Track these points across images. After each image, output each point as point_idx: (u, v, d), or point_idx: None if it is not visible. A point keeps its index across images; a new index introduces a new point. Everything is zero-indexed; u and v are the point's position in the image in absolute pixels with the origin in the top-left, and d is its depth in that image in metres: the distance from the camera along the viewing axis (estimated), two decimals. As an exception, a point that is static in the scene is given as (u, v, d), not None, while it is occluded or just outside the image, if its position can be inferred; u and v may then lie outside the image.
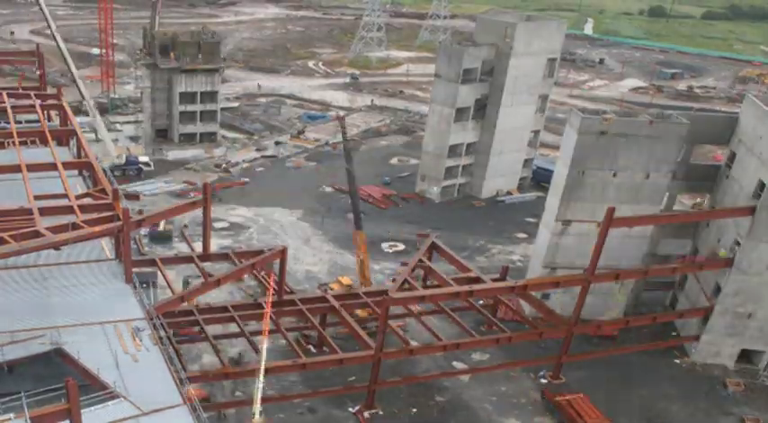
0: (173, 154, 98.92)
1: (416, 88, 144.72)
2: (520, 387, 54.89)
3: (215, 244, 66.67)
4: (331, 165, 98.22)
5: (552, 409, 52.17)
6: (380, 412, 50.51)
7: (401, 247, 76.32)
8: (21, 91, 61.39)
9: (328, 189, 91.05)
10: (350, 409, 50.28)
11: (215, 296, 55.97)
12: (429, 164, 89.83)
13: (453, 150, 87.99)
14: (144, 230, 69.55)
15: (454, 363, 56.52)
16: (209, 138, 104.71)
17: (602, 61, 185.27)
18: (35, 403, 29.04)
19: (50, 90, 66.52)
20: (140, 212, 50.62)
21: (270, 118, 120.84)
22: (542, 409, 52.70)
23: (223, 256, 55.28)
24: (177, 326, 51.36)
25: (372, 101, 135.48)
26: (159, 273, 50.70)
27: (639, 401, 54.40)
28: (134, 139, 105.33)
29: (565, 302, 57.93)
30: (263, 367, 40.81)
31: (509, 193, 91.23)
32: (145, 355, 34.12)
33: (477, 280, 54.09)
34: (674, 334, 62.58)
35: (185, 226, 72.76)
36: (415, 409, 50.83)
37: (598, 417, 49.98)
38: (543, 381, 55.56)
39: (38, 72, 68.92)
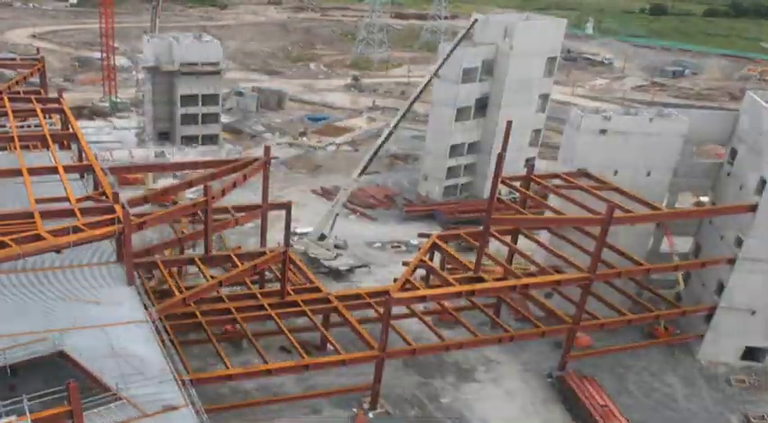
0: (175, 157, 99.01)
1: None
2: (526, 386, 54.95)
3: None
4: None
5: (562, 406, 52.39)
6: (390, 412, 50.62)
7: (403, 247, 76.41)
8: (22, 95, 61.51)
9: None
10: (353, 410, 50.33)
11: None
12: (431, 164, 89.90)
13: (455, 150, 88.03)
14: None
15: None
16: (211, 140, 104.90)
17: (603, 61, 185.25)
18: (38, 406, 29.12)
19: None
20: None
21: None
22: (550, 408, 52.75)
23: (225, 258, 55.55)
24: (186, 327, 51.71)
25: (374, 102, 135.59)
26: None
27: (645, 399, 54.40)
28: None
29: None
30: None
31: (511, 191, 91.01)
32: (147, 356, 34.20)
33: (480, 279, 54.20)
34: (676, 332, 62.47)
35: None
36: (420, 411, 50.88)
37: (605, 402, 50.64)
38: (549, 379, 55.62)
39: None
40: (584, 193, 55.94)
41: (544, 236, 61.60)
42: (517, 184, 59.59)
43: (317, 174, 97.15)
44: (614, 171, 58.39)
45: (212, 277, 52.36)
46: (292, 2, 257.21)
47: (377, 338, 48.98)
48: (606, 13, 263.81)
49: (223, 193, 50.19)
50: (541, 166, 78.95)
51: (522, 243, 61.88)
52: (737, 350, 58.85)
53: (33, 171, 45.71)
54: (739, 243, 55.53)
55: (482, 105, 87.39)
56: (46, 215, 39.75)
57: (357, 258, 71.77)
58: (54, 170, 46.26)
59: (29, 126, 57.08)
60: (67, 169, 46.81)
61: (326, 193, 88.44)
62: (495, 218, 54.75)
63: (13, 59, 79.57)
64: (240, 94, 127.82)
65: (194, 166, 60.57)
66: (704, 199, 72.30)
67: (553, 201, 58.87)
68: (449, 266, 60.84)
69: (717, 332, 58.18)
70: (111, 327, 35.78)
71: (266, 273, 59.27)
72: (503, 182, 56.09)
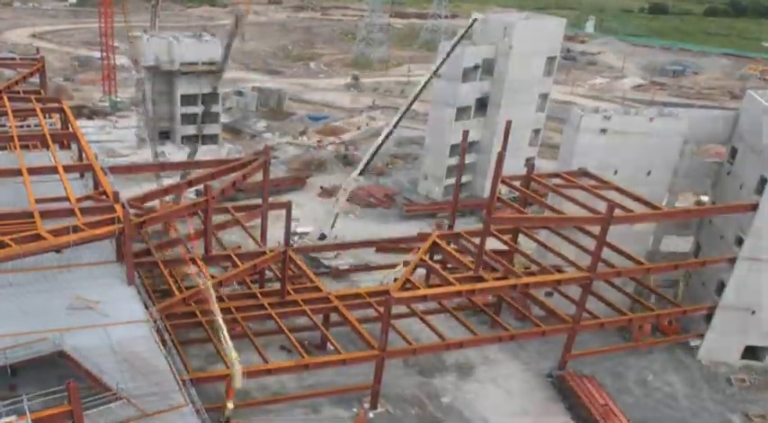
0: (175, 157, 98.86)
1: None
2: (527, 385, 54.97)
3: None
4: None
5: (562, 405, 52.42)
6: (391, 411, 50.61)
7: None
8: (22, 94, 61.47)
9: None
10: (354, 409, 50.32)
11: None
12: (431, 163, 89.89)
13: (455, 149, 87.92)
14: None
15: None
16: (211, 139, 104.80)
17: (602, 60, 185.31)
18: (38, 405, 29.13)
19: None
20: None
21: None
22: (550, 407, 52.72)
23: (225, 258, 55.49)
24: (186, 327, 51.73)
25: (374, 101, 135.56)
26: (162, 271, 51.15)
27: (645, 398, 54.38)
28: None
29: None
30: None
31: (511, 191, 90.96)
32: (148, 356, 34.20)
33: (480, 278, 54.12)
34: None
35: None
36: (420, 410, 50.88)
37: (605, 401, 50.81)
38: (549, 378, 55.61)
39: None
40: (585, 192, 55.95)
41: (544, 235, 61.54)
42: (517, 183, 59.62)
43: (317, 173, 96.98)
44: (614, 170, 58.36)
45: (212, 277, 52.33)
46: (293, 1, 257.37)
47: (377, 338, 48.99)
48: (606, 12, 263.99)
49: (223, 192, 50.14)
50: (541, 166, 78.81)
51: (522, 242, 61.81)
52: (738, 349, 58.81)
53: (33, 171, 45.71)
54: (739, 242, 55.52)
55: (482, 105, 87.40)
56: (46, 215, 39.77)
57: (357, 258, 71.75)
58: (54, 170, 46.27)
59: (29, 126, 57.06)
60: (67, 169, 46.82)
61: (326, 193, 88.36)
62: (495, 217, 54.72)
63: (13, 59, 79.44)
64: (240, 93, 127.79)
65: (194, 165, 60.57)
66: (704, 198, 72.27)
67: (553, 200, 58.83)
68: (449, 266, 60.84)
69: (717, 331, 58.14)
70: (111, 326, 35.82)
71: (266, 272, 59.26)
72: (503, 181, 56.05)
